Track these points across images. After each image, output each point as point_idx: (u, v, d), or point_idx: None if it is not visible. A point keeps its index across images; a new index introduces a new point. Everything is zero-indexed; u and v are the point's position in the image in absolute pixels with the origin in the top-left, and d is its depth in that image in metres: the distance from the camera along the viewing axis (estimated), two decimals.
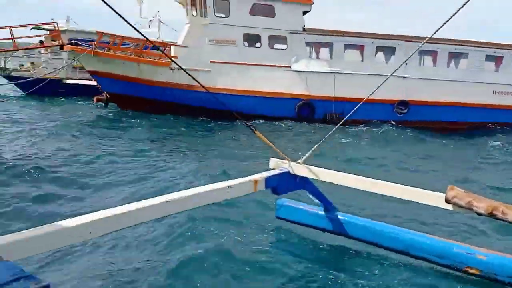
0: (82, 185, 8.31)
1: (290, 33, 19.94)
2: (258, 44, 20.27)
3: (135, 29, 4.56)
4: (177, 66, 5.35)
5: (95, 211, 3.16)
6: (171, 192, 3.83)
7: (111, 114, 19.64)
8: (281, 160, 5.09)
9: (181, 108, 18.88)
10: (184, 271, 4.54)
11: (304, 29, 20.31)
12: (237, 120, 16.68)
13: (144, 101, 19.10)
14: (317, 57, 20.92)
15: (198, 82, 5.06)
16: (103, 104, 22.05)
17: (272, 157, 5.17)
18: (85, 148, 11.80)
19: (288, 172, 4.97)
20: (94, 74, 19.76)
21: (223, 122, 17.83)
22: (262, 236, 5.68)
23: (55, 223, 2.87)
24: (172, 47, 19.92)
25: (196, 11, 19.57)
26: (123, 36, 19.68)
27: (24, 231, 2.71)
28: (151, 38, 21.40)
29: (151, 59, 19.73)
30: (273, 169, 5.06)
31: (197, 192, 3.90)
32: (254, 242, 5.42)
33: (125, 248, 5.30)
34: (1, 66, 26.76)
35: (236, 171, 8.80)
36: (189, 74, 4.80)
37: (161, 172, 9.44)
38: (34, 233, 2.72)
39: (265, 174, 4.78)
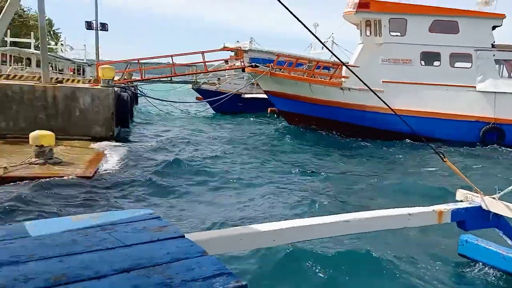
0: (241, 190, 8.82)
1: (476, 50, 18.00)
2: (436, 63, 18.84)
3: (328, 49, 4.70)
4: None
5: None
6: (347, 212, 3.76)
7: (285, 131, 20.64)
8: (471, 193, 4.59)
9: (351, 127, 18.68)
10: None
11: (493, 46, 18.09)
12: (417, 143, 15.73)
13: (314, 119, 19.52)
14: (509, 76, 18.35)
15: (384, 103, 4.87)
16: (275, 115, 23.37)
17: (460, 188, 4.68)
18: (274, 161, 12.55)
19: (480, 207, 4.41)
20: (269, 94, 21.10)
21: (395, 143, 16.95)
22: (443, 272, 5.10)
23: (245, 226, 3.08)
24: (343, 67, 19.97)
25: (370, 31, 19.27)
26: (297, 57, 20.59)
27: (221, 230, 2.99)
28: (323, 59, 21.90)
29: (322, 79, 20.13)
30: (461, 201, 4.58)
31: (378, 215, 3.77)
32: (435, 278, 4.90)
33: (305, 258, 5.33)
34: (193, 80, 30.77)
35: (416, 197, 8.19)
36: (375, 93, 4.68)
37: (335, 188, 9.41)
38: (229, 233, 2.98)
39: (451, 205, 4.37)
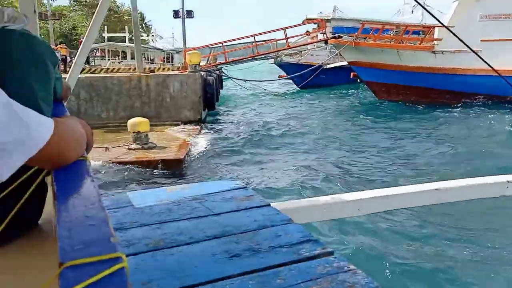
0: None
1: None
2: None
3: (434, 17, 4.36)
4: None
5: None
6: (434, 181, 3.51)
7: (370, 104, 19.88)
8: None
9: (446, 94, 17.35)
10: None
11: None
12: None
13: (405, 88, 18.45)
14: None
15: (486, 63, 4.39)
16: (358, 80, 22.48)
17: None
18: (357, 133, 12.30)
19: None
20: (354, 65, 20.33)
21: (499, 108, 15.40)
22: None
23: (330, 195, 3.08)
24: (436, 29, 18.47)
25: None
26: (383, 23, 19.48)
27: (305, 199, 3.02)
28: (414, 23, 20.48)
29: (411, 44, 18.85)
30: None
31: (472, 183, 3.43)
32: None
33: (389, 227, 5.21)
34: (275, 56, 30.68)
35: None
36: (475, 52, 4.26)
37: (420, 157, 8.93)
38: (314, 203, 2.99)
39: None
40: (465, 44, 4.48)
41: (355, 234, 5.07)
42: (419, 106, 17.50)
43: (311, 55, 27.94)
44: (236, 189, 2.46)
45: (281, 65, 29.58)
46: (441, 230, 5.24)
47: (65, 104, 1.26)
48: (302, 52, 30.05)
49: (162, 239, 1.79)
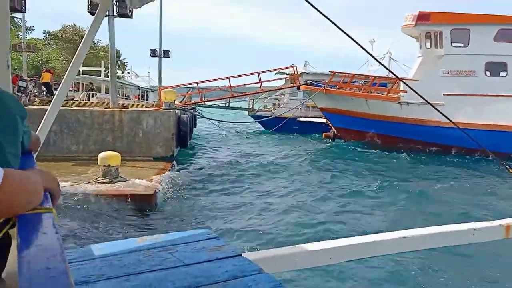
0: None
1: None
2: (503, 73, 17.84)
3: (383, 65, 4.72)
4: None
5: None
6: (405, 229, 3.66)
7: (336, 149, 20.40)
8: None
9: (410, 143, 18.08)
10: None
11: None
12: (479, 156, 14.88)
13: (373, 135, 19.12)
14: None
15: (444, 116, 4.69)
16: (330, 140, 23.15)
17: None
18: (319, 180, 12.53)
19: None
20: (325, 111, 21.01)
21: (458, 158, 16.17)
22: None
23: (301, 245, 3.13)
24: (401, 82, 19.49)
25: (431, 43, 18.72)
26: (353, 74, 20.41)
27: (276, 248, 3.07)
28: (381, 75, 21.54)
29: (379, 95, 19.75)
30: None
31: (438, 231, 3.55)
32: None
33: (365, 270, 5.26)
34: (250, 107, 31.42)
35: (481, 214, 7.80)
36: (433, 106, 4.55)
37: (388, 206, 9.16)
38: (285, 252, 3.01)
39: None
40: (421, 96, 4.80)
41: (326, 282, 5.10)
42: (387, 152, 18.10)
43: (284, 107, 28.80)
44: (207, 239, 2.48)
45: (256, 117, 30.23)
46: (411, 276, 5.32)
47: (34, 155, 1.32)
48: (275, 105, 31.05)
49: None
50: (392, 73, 5.56)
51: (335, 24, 3.87)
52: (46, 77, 24.61)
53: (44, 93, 23.72)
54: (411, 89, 5.43)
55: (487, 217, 3.98)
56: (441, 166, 15.36)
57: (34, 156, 1.29)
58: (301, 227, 7.84)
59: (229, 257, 2.17)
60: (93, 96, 28.30)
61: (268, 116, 27.07)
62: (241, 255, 2.21)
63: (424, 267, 5.53)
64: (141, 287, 1.81)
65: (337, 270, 5.34)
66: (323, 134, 24.12)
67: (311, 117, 28.75)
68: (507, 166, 4.51)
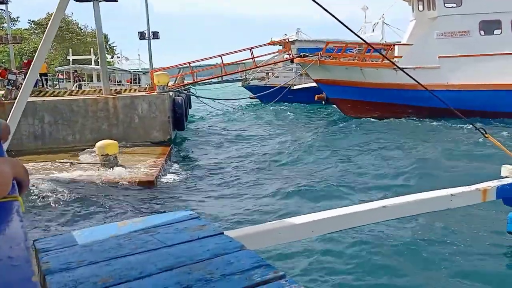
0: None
1: None
2: (497, 31, 17.60)
3: (355, 34, 4.62)
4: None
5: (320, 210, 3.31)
6: (391, 197, 3.69)
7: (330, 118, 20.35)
8: None
9: (408, 109, 17.99)
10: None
11: None
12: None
13: (370, 104, 19.01)
14: None
15: (415, 80, 4.75)
16: (322, 102, 23.09)
17: (505, 164, 4.43)
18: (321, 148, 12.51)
19: None
20: (320, 82, 20.80)
21: (452, 122, 16.10)
22: (492, 251, 4.93)
23: (283, 219, 3.15)
24: (396, 46, 19.26)
25: (423, 6, 18.38)
26: (346, 43, 20.11)
27: (259, 225, 3.08)
28: (374, 41, 21.33)
29: (373, 62, 19.51)
30: (506, 177, 4.35)
31: (417, 198, 3.65)
32: (483, 258, 4.76)
33: (346, 241, 5.30)
34: (243, 78, 31.07)
35: (460, 178, 7.86)
36: (405, 73, 4.56)
37: (374, 171, 9.19)
38: (267, 227, 3.02)
39: (496, 182, 4.13)
40: (394, 64, 4.74)
41: (309, 255, 5.12)
42: (383, 120, 18.07)
43: (277, 77, 28.49)
44: (189, 219, 2.46)
45: (249, 88, 30.05)
46: (392, 247, 5.34)
47: (4, 144, 1.28)
48: (269, 74, 30.61)
49: (111, 276, 1.75)
50: (365, 41, 5.38)
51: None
52: (43, 68, 24.81)
53: (41, 84, 23.97)
54: (386, 58, 5.37)
55: (464, 182, 4.04)
56: (428, 131, 15.35)
57: (4, 145, 1.23)
58: (291, 203, 7.86)
59: (211, 235, 2.17)
60: (80, 86, 27.94)
61: (261, 86, 26.79)
62: (222, 233, 2.21)
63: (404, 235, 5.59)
64: (123, 271, 1.80)
65: (320, 243, 5.38)
66: (316, 96, 24.03)
67: (305, 83, 28.49)
68: (482, 131, 4.53)
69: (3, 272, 0.59)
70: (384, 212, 3.47)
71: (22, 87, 3.78)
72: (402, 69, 4.96)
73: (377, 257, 4.94)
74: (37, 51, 3.74)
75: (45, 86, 24.62)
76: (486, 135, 4.51)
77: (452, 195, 3.76)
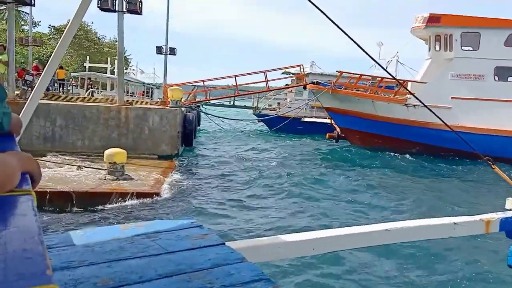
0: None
1: None
2: (511, 78, 17.70)
3: (379, 65, 4.66)
4: (416, 99, 5.15)
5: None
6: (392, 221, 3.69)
7: (340, 149, 20.33)
8: None
9: (416, 145, 17.97)
10: None
11: None
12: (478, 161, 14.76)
13: (379, 137, 19.01)
14: None
15: (437, 117, 4.74)
16: (333, 141, 23.05)
17: (510, 197, 4.42)
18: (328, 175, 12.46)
19: None
20: (330, 111, 20.88)
21: (463, 163, 16.05)
22: (491, 284, 4.88)
23: (284, 235, 3.14)
24: (409, 83, 19.36)
25: (440, 46, 18.57)
26: (360, 75, 20.28)
27: (260, 238, 3.06)
28: (387, 79, 21.58)
29: (386, 96, 19.62)
30: (511, 210, 4.29)
31: (420, 224, 3.59)
32: None
33: (347, 261, 5.23)
34: (254, 106, 31.37)
35: (464, 209, 7.88)
36: (427, 107, 4.56)
37: (384, 202, 9.14)
38: (268, 241, 2.99)
39: (500, 214, 4.00)
40: (414, 95, 4.79)
41: (309, 272, 5.09)
42: (390, 153, 18.05)
43: (289, 107, 28.72)
44: (191, 227, 2.45)
45: (260, 116, 30.18)
46: (391, 270, 5.31)
47: (17, 139, 1.30)
48: (280, 104, 30.96)
49: (112, 278, 1.75)
50: (391, 75, 5.48)
51: (337, 25, 3.79)
52: (61, 74, 25.96)
53: (57, 89, 24.88)
54: (409, 92, 5.41)
55: (469, 212, 4.05)
56: (436, 169, 15.32)
57: (17, 139, 1.25)
58: (295, 220, 7.82)
59: (212, 245, 2.15)
60: (93, 94, 28.30)
61: (272, 115, 27.00)
62: (224, 243, 2.20)
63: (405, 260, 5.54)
64: (123, 274, 1.79)
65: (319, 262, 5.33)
66: (327, 134, 24.01)
67: (316, 117, 28.69)
68: (489, 162, 4.54)
69: (17, 265, 0.58)
70: (386, 236, 3.41)
71: (36, 86, 3.83)
72: (426, 106, 4.93)
73: (376, 280, 4.88)
74: (52, 54, 3.81)
75: (62, 91, 25.07)
76: (493, 166, 4.50)
77: (455, 223, 3.74)
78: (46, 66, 3.86)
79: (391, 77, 22.17)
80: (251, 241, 3.00)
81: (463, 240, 5.46)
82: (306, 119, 28.59)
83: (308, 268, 5.20)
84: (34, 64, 25.25)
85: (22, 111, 3.68)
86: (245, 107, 30.85)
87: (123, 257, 1.98)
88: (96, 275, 1.78)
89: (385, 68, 4.82)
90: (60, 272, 1.79)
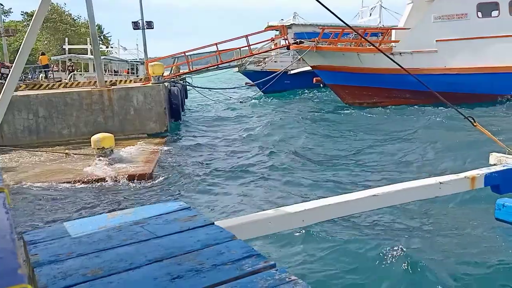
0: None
1: None
2: (495, 13, 17.38)
3: (343, 22, 4.58)
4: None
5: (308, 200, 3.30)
6: (380, 186, 3.70)
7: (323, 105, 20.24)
8: (505, 155, 4.38)
9: (406, 93, 17.88)
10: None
11: None
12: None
13: (367, 89, 18.89)
14: None
15: (398, 64, 4.77)
16: (320, 85, 22.95)
17: (493, 152, 4.43)
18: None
19: None
20: (316, 69, 20.62)
21: (437, 106, 15.95)
22: (480, 238, 4.99)
23: (274, 209, 3.13)
24: (393, 31, 19.04)
25: None
26: (342, 28, 19.87)
27: (250, 215, 3.07)
28: (372, 25, 21.10)
29: (370, 47, 19.30)
30: (494, 164, 4.39)
31: (407, 187, 3.68)
32: (472, 244, 4.81)
33: (337, 231, 5.27)
34: (239, 64, 30.73)
35: (448, 166, 7.88)
36: (389, 57, 4.53)
37: (363, 155, 9.16)
38: (258, 217, 3.02)
39: (484, 170, 4.14)
40: (378, 49, 4.71)
41: (299, 244, 5.11)
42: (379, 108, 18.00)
43: (275, 61, 28.24)
44: (179, 210, 2.44)
45: (246, 73, 29.76)
46: (382, 235, 5.33)
47: None
48: (266, 59, 30.31)
49: (101, 268, 1.75)
50: (350, 27, 5.33)
51: None
52: (45, 60, 26.22)
53: (44, 75, 24.91)
54: (369, 42, 5.29)
55: (453, 170, 4.08)
56: (418, 118, 15.28)
57: None
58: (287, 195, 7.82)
59: (201, 226, 2.17)
60: (74, 77, 27.77)
61: (258, 71, 26.57)
62: (213, 223, 2.21)
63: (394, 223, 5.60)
64: (112, 262, 1.79)
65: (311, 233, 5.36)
66: (314, 78, 23.88)
67: (302, 67, 28.27)
68: (470, 120, 4.56)
69: None
70: (374, 201, 3.48)
71: (7, 81, 3.68)
72: (387, 55, 4.91)
73: (368, 247, 4.94)
74: (23, 42, 3.65)
75: (46, 77, 24.71)
76: (475, 124, 4.50)
77: (441, 183, 3.79)
78: (15, 60, 3.71)
79: (373, 27, 21.69)
80: (240, 218, 3.04)
81: (449, 199, 5.51)
82: (292, 72, 28.12)
83: (299, 242, 5.23)
84: (41, 53, 25.87)
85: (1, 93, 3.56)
86: (229, 66, 30.32)
87: (111, 245, 1.98)
88: (85, 266, 1.77)
89: (352, 27, 4.70)
90: (48, 266, 1.79)
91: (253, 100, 26.39)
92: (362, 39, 19.65)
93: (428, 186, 3.75)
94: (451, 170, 4.15)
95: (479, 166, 4.32)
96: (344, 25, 4.71)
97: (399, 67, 16.46)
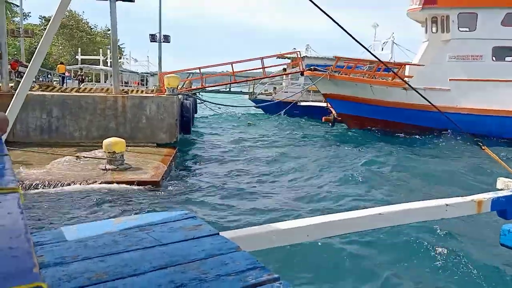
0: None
1: None
2: (509, 58, 17.64)
3: (367, 50, 4.64)
4: (414, 83, 5.13)
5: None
6: (385, 205, 3.69)
7: (336, 131, 20.31)
8: None
9: (415, 129, 17.96)
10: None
11: None
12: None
13: (377, 122, 18.98)
14: None
15: (427, 100, 4.78)
16: (330, 124, 23.03)
17: (500, 177, 4.43)
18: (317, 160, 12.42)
19: None
20: (328, 97, 20.78)
21: (461, 144, 16.05)
22: (484, 262, 4.97)
23: (278, 223, 3.13)
24: (406, 66, 19.26)
25: (437, 28, 18.44)
26: (357, 60, 20.13)
27: (255, 227, 3.06)
28: (383, 60, 21.48)
29: (384, 80, 19.51)
30: (502, 189, 4.40)
31: (412, 207, 3.66)
32: (476, 267, 4.77)
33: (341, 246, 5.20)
34: (250, 92, 31.20)
35: (455, 189, 7.90)
36: (417, 92, 4.56)
37: (372, 181, 9.16)
38: (262, 230, 3.02)
39: (491, 194, 4.14)
40: (406, 82, 4.79)
41: (303, 259, 5.08)
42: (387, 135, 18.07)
43: (285, 92, 28.55)
44: (184, 218, 2.46)
45: (256, 102, 30.05)
46: (386, 253, 5.31)
47: (4, 136, 1.25)
48: (276, 88, 30.77)
49: (106, 272, 1.75)
50: (381, 61, 5.41)
51: (322, 11, 3.74)
52: (62, 69, 27.90)
53: (60, 83, 26.08)
54: (398, 76, 5.35)
55: (461, 193, 4.09)
56: (431, 148, 15.39)
57: (4, 136, 1.21)
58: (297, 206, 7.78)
59: (206, 236, 2.18)
60: (93, 85, 28.22)
61: (269, 101, 26.89)
62: (218, 233, 2.21)
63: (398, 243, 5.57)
64: (117, 267, 1.80)
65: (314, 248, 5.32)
66: (323, 118, 23.97)
67: (312, 101, 28.59)
68: (480, 144, 4.57)
69: (4, 264, 0.58)
70: (380, 219, 3.47)
71: (22, 80, 3.73)
72: (412, 87, 4.96)
73: (371, 262, 4.89)
74: (38, 46, 3.70)
75: (64, 85, 25.17)
76: (483, 148, 4.51)
77: (447, 205, 3.78)
78: (31, 61, 3.76)
79: (387, 61, 22.00)
80: (246, 230, 3.02)
81: (455, 222, 5.48)
82: (302, 103, 28.47)
83: (304, 256, 5.19)
84: (59, 62, 27.05)
85: (9, 106, 3.58)
86: (241, 92, 30.67)
87: (116, 250, 1.98)
88: (90, 269, 1.77)
89: (371, 51, 4.81)
90: (54, 268, 1.79)
91: (260, 119, 26.61)
92: (376, 72, 19.90)
93: (434, 207, 3.74)
94: (458, 193, 4.16)
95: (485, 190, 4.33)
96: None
97: (410, 102, 16.85)
